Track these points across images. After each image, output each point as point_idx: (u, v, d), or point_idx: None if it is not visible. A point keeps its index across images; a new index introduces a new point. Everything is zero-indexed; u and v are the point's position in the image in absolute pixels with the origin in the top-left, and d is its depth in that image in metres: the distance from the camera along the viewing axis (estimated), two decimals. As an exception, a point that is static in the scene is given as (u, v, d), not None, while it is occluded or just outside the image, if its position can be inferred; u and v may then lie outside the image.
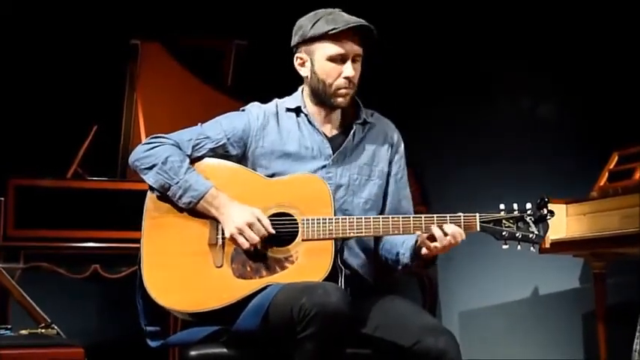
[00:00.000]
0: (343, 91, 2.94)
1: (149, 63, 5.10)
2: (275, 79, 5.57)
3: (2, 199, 4.49)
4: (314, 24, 2.91)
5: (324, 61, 2.92)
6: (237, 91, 5.22)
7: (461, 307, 6.16)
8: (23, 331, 3.79)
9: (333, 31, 2.87)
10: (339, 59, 2.92)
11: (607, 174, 5.07)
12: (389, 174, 3.08)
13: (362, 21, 2.90)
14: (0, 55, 5.37)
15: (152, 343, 2.91)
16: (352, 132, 3.02)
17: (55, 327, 3.90)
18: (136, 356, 5.10)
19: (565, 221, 4.93)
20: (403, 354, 2.72)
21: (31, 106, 5.45)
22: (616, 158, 5.11)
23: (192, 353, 2.76)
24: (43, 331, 3.83)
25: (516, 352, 6.00)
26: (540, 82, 6.14)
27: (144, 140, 3.02)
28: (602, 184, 5.03)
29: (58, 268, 4.57)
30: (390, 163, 3.08)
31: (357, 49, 2.93)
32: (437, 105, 6.10)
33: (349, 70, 2.92)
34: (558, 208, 5.01)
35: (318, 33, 2.90)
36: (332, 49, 2.90)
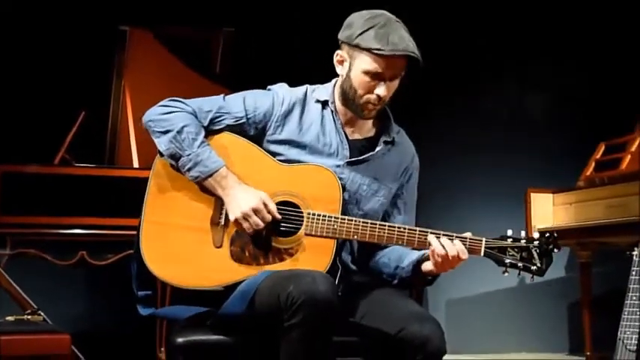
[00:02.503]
0: (371, 106, 2.87)
1: (138, 49, 5.08)
2: (263, 66, 5.60)
3: (-11, 185, 4.47)
4: (364, 32, 2.80)
5: (362, 72, 2.83)
6: (226, 78, 5.21)
7: (447, 295, 6.17)
8: (9, 318, 3.79)
9: (378, 52, 2.78)
10: (377, 76, 2.83)
11: (593, 164, 5.10)
12: (396, 196, 3.03)
13: (411, 50, 2.78)
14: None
15: (142, 311, 2.89)
16: (378, 148, 2.95)
17: (42, 313, 3.91)
18: (123, 342, 5.12)
19: (551, 210, 4.96)
20: (388, 341, 2.72)
21: (18, 92, 5.42)
22: (602, 148, 5.13)
23: (179, 340, 2.76)
24: (29, 317, 3.83)
25: (502, 340, 6.03)
26: (529, 73, 6.16)
27: (160, 102, 2.91)
28: (588, 173, 5.06)
29: (45, 255, 4.55)
30: (400, 186, 3.03)
31: (397, 70, 2.84)
32: (426, 94, 6.09)
33: (383, 89, 2.83)
34: (545, 198, 5.04)
35: (364, 46, 2.80)
36: (372, 65, 2.81)
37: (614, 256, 5.39)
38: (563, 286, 5.96)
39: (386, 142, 2.98)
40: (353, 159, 2.93)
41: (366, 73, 2.82)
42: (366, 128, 3.00)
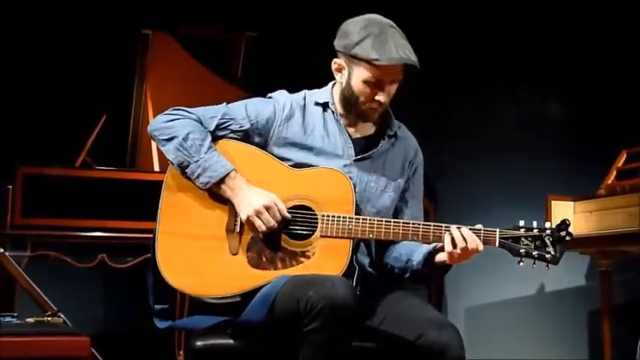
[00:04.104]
0: (374, 111, 2.91)
1: (159, 53, 5.10)
2: (284, 70, 5.61)
3: (10, 187, 4.50)
4: (360, 41, 2.82)
5: (362, 82, 2.85)
6: (247, 82, 5.22)
7: (467, 302, 6.16)
8: (29, 319, 3.80)
9: (376, 63, 2.80)
10: (376, 85, 2.85)
11: (615, 172, 5.07)
12: (404, 190, 3.04)
13: (407, 58, 2.80)
14: (11, 43, 5.37)
15: (160, 324, 2.89)
16: (382, 143, 2.98)
17: (62, 315, 3.91)
18: (142, 345, 5.13)
19: (572, 218, 4.93)
20: (407, 347, 2.72)
21: (41, 95, 5.45)
22: (624, 156, 5.11)
23: (199, 344, 2.76)
24: (49, 319, 3.84)
25: (521, 348, 6.01)
26: (549, 79, 6.14)
27: (164, 112, 2.94)
28: (610, 181, 5.03)
29: (65, 257, 4.58)
30: (407, 180, 3.05)
31: (396, 76, 2.87)
32: (444, 101, 6.09)
33: (383, 96, 2.86)
34: (566, 205, 5.01)
35: (361, 56, 2.82)
36: (371, 74, 2.83)
37: (635, 265, 5.37)
38: (583, 295, 5.93)
39: (389, 136, 3.01)
40: (359, 157, 2.95)
41: (366, 82, 2.85)
42: (368, 126, 3.02)
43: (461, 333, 2.75)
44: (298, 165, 2.90)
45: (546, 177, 5.84)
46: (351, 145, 2.95)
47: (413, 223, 2.81)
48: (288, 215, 2.80)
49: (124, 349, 5.15)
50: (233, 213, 2.84)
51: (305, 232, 2.82)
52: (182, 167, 2.84)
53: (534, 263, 2.81)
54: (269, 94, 3.03)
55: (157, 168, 4.79)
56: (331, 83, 3.02)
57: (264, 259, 2.81)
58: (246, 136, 2.92)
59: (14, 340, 3.31)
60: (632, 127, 5.50)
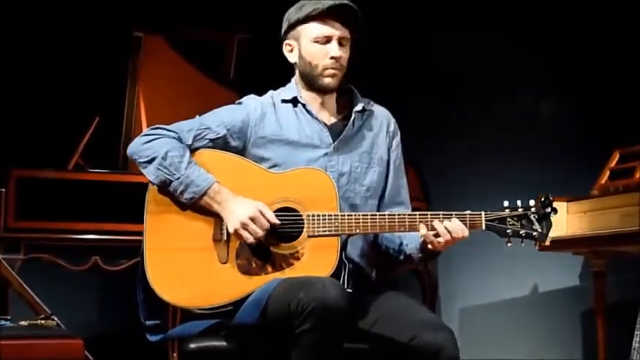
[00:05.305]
0: (330, 71, 2.95)
1: (152, 55, 5.11)
2: (277, 73, 5.59)
3: (3, 190, 4.49)
4: (299, 9, 2.96)
5: (310, 43, 2.95)
6: (240, 84, 5.22)
7: (461, 303, 6.16)
8: (23, 322, 3.80)
9: (315, 12, 2.91)
10: (325, 40, 2.94)
11: (608, 172, 5.06)
12: (388, 162, 3.08)
13: (345, 1, 2.92)
14: (3, 46, 5.36)
15: (151, 338, 2.89)
16: (352, 120, 3.01)
17: (55, 318, 3.91)
18: (136, 348, 5.12)
19: (565, 219, 4.92)
20: (401, 349, 2.72)
21: (33, 98, 5.44)
22: (617, 156, 5.10)
23: (192, 346, 2.76)
24: (42, 322, 3.84)
25: (515, 348, 6.01)
26: (541, 79, 6.14)
27: (143, 132, 2.97)
28: (603, 182, 5.03)
29: (59, 260, 4.57)
30: (388, 151, 3.09)
31: (342, 30, 2.95)
32: (437, 101, 6.09)
33: (334, 49, 2.93)
34: (559, 206, 5.00)
35: (303, 16, 2.94)
36: (316, 30, 2.94)
37: (629, 265, 5.36)
38: (576, 295, 5.93)
39: (359, 112, 3.04)
40: (336, 141, 2.98)
41: (315, 40, 2.95)
42: (338, 109, 3.07)
43: (455, 334, 2.75)
44: (281, 163, 2.93)
45: (547, 177, 5.83)
46: (327, 133, 2.99)
47: (398, 215, 2.85)
48: (277, 221, 2.80)
49: (117, 352, 5.14)
50: (219, 222, 2.84)
51: (292, 234, 2.82)
52: (165, 186, 2.85)
53: (522, 242, 2.84)
54: (238, 101, 3.07)
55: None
56: (293, 78, 3.08)
57: (254, 265, 2.81)
58: (224, 144, 2.94)
59: (7, 344, 3.31)
60: (624, 126, 5.50)
